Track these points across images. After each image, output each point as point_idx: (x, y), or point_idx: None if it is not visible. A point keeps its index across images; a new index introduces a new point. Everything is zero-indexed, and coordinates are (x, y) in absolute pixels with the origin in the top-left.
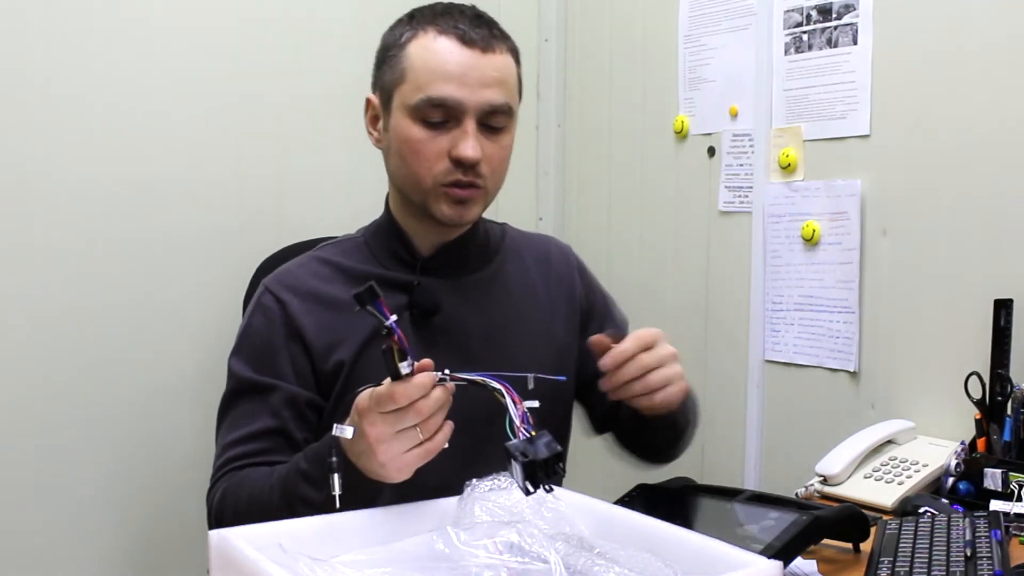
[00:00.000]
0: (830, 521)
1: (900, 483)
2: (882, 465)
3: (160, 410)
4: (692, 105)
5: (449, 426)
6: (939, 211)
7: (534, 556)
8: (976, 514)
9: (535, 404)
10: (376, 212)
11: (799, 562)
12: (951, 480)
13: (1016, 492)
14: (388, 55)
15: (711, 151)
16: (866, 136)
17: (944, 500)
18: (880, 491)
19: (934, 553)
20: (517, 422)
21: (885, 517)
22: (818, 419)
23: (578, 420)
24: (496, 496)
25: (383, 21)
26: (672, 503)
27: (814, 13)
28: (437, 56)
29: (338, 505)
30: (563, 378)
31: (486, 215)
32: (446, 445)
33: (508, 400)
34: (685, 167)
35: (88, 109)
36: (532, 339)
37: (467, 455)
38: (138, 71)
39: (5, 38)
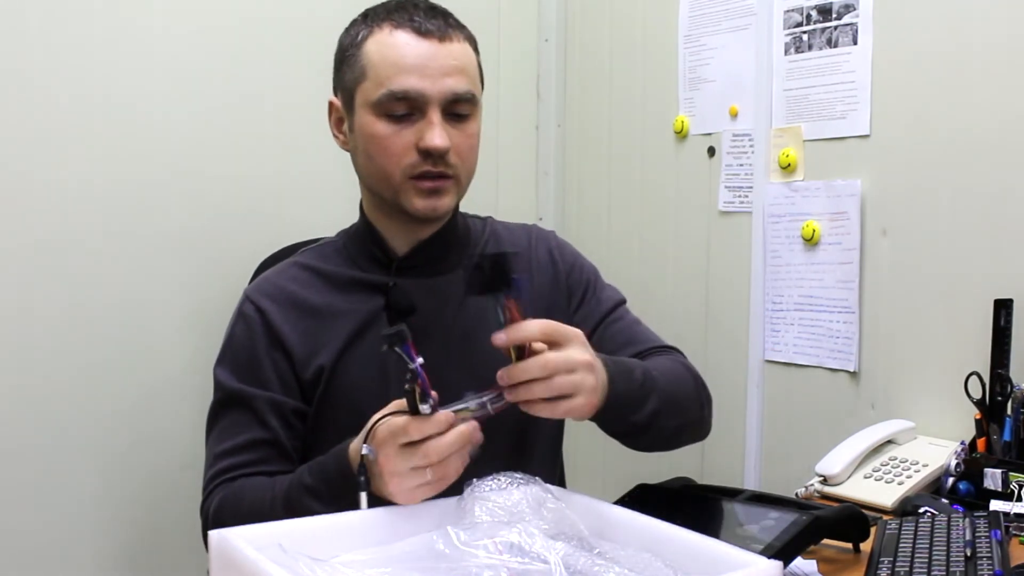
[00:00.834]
0: (830, 521)
1: (900, 483)
2: (882, 465)
3: (159, 410)
4: (692, 105)
5: (462, 465)
6: (939, 211)
7: (534, 556)
8: (976, 514)
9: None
10: None
11: (799, 562)
12: (951, 480)
13: (1016, 492)
14: (346, 55)
15: (711, 151)
16: (866, 136)
17: (944, 500)
18: (880, 491)
19: (934, 553)
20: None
21: (885, 517)
22: (818, 419)
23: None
24: (496, 496)
25: None
26: (672, 503)
27: (814, 13)
28: (395, 50)
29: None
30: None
31: (475, 209)
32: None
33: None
34: (685, 167)
35: (86, 109)
36: None
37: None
38: (137, 71)
39: (5, 38)
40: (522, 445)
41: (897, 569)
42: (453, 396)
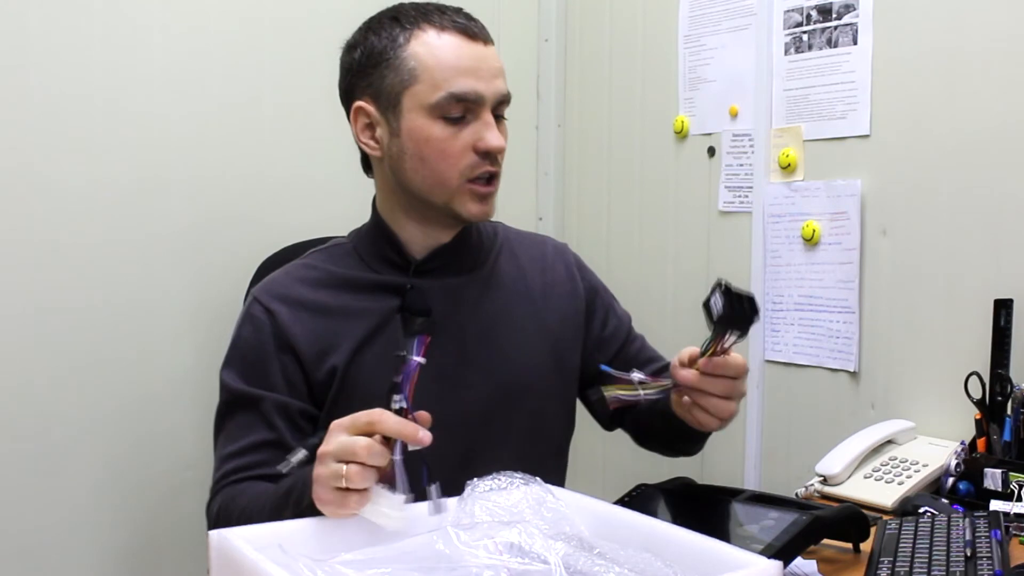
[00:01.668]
0: (830, 521)
1: (900, 483)
2: (882, 465)
3: (159, 410)
4: (692, 105)
5: (365, 496)
6: (939, 211)
7: (534, 556)
8: (976, 514)
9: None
10: None
11: (799, 562)
12: (951, 480)
13: (1016, 492)
14: (384, 58)
15: (711, 151)
16: (866, 136)
17: (944, 500)
18: (880, 491)
19: (934, 553)
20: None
21: (885, 517)
22: (818, 419)
23: (583, 419)
24: (496, 496)
25: None
26: (672, 503)
27: (814, 13)
28: (449, 52)
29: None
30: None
31: None
32: (353, 513)
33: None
34: (685, 167)
35: (87, 110)
36: (526, 337)
37: (466, 456)
38: (137, 71)
39: (5, 38)
40: (528, 456)
41: (897, 569)
42: (468, 402)
